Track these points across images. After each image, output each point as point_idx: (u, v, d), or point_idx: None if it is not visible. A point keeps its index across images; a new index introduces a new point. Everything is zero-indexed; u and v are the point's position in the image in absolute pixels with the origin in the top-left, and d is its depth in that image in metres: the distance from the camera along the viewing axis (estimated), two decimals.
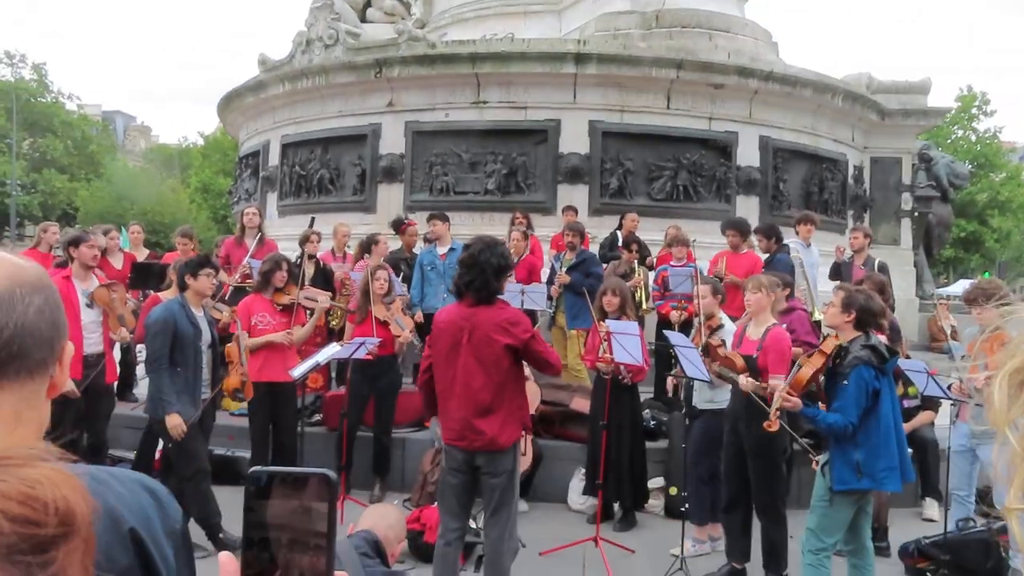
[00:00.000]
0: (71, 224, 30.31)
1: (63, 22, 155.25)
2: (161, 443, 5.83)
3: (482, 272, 4.16)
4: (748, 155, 10.60)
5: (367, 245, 7.88)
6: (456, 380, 4.23)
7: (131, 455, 6.82)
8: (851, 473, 4.24)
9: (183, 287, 5.42)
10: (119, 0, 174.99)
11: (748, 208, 10.30)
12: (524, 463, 6.08)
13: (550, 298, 7.82)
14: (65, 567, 0.48)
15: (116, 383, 7.09)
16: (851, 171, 12.08)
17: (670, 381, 6.00)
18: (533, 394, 6.46)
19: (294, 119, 11.82)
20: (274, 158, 12.13)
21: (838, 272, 8.24)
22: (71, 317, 5.94)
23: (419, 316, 7.54)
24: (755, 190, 10.62)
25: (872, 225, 12.68)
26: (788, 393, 4.32)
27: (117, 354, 7.02)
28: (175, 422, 5.10)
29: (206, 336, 5.41)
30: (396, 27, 11.15)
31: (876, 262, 8.13)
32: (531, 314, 7.63)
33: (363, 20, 12.96)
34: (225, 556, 0.92)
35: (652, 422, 6.98)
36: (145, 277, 7.79)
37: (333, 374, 7.86)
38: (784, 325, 5.25)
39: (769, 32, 12.49)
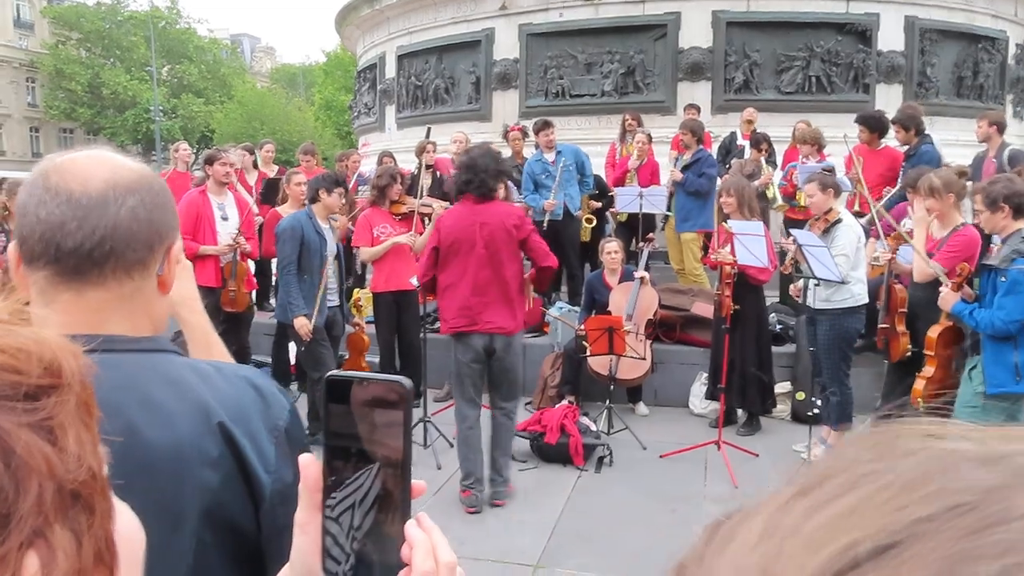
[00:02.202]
0: (208, 146, 31.92)
1: None
2: (294, 348, 6.17)
3: (480, 173, 4.54)
4: (891, 39, 9.69)
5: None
6: (468, 271, 4.59)
7: (267, 358, 7.29)
8: (1009, 375, 3.96)
9: (314, 200, 5.63)
10: None
11: (889, 98, 9.48)
12: (642, 368, 6.06)
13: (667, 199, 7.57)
14: (56, 415, 0.50)
15: (254, 292, 7.51)
16: (1012, 50, 10.84)
17: (793, 288, 5.71)
18: (650, 298, 6.36)
19: (408, 29, 11.75)
20: (390, 70, 12.18)
21: (977, 168, 7.37)
22: (207, 229, 6.29)
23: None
24: (898, 78, 9.75)
25: None
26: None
27: (251, 266, 7.41)
28: (302, 322, 5.37)
29: (331, 247, 5.62)
30: None
31: (1007, 151, 7.15)
32: (649, 218, 7.45)
33: None
34: (306, 458, 0.92)
35: (779, 326, 6.74)
36: (274, 193, 8.11)
37: None
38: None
39: None
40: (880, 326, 5.13)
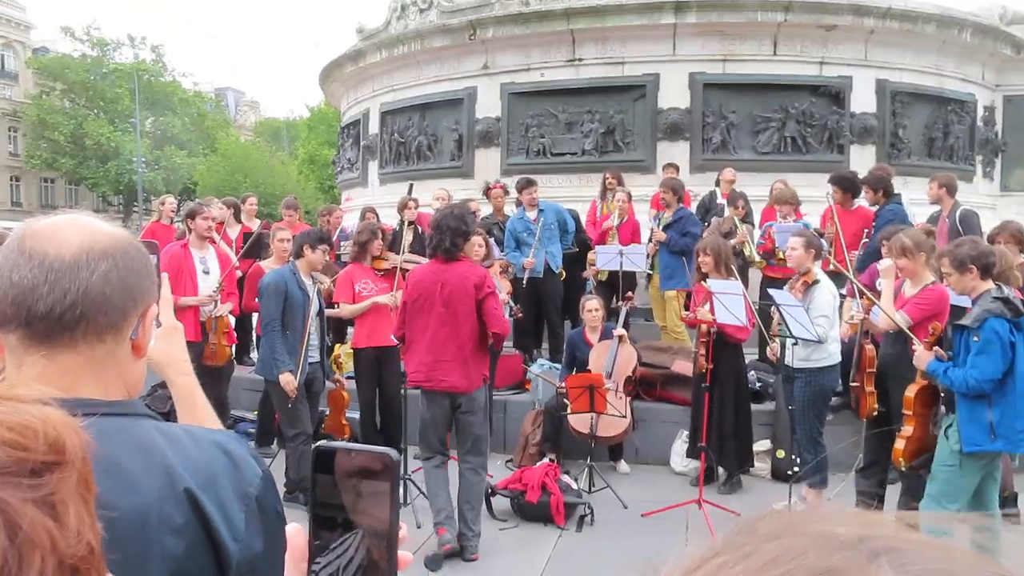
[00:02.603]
0: (191, 198, 31.94)
1: (176, 5, 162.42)
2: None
3: (444, 234, 4.75)
4: (863, 101, 9.97)
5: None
6: (428, 328, 4.79)
7: (251, 415, 7.21)
8: (983, 434, 3.99)
9: (299, 255, 5.64)
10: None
11: (864, 159, 9.71)
12: (622, 426, 6.05)
13: (649, 257, 7.66)
14: (58, 491, 0.51)
15: (234, 347, 7.45)
16: (980, 112, 11.18)
17: (769, 350, 5.77)
18: (629, 356, 6.38)
19: (392, 86, 11.94)
20: (374, 126, 12.33)
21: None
22: (188, 283, 6.29)
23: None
24: (871, 139, 10.01)
25: (1005, 171, 11.76)
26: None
27: (232, 321, 7.37)
28: (287, 379, 5.34)
29: (314, 303, 5.61)
30: None
31: (959, 212, 7.35)
32: (630, 275, 7.53)
33: None
34: (293, 528, 0.93)
35: (758, 383, 6.78)
36: (257, 248, 8.12)
37: None
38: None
39: None
40: (851, 384, 5.20)
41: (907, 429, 4.60)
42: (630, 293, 7.02)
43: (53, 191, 47.01)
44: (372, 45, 12.02)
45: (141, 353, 1.07)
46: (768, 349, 5.83)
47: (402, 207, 8.12)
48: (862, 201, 7.44)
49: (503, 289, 6.69)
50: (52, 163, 43.00)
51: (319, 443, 0.81)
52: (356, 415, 6.59)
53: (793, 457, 5.53)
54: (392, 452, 0.79)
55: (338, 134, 15.52)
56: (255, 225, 9.20)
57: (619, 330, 6.45)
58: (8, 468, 0.49)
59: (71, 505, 0.52)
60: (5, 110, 45.52)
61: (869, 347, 5.11)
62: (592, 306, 6.59)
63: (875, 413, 5.04)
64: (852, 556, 0.33)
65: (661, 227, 7.61)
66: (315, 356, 5.72)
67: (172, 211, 9.78)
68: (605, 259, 7.49)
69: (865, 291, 5.09)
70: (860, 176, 7.50)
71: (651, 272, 7.82)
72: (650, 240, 7.79)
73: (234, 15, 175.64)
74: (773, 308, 5.44)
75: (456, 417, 4.90)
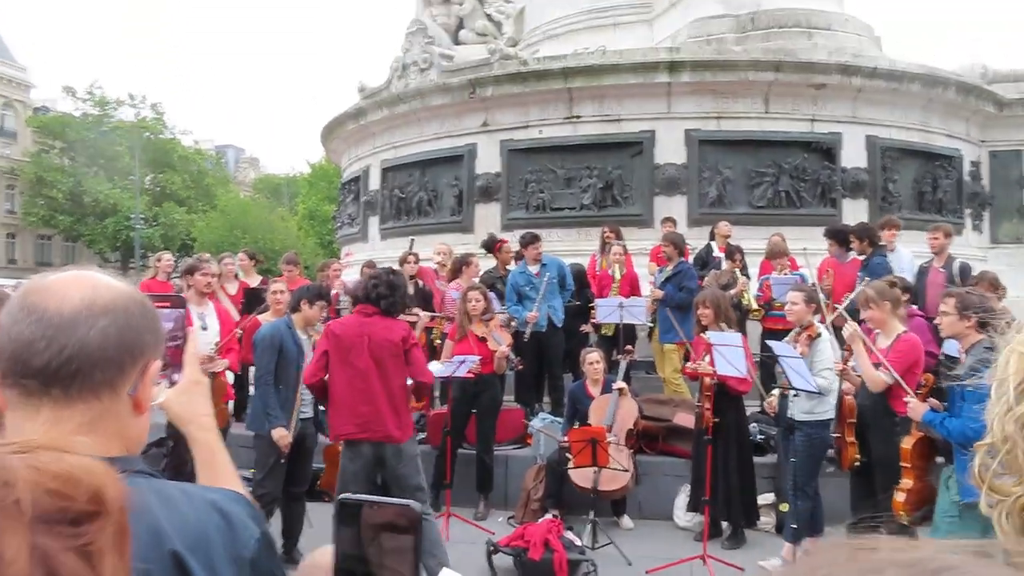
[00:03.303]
0: (188, 254, 32.08)
1: (176, 64, 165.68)
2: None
3: (397, 294, 4.99)
4: (854, 156, 10.18)
5: (459, 266, 7.98)
6: (356, 379, 4.87)
7: (248, 472, 7.12)
8: None
9: (295, 310, 5.64)
10: (225, 43, 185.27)
11: (856, 212, 9.88)
12: (624, 479, 6.01)
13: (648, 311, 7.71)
14: (96, 541, 0.52)
15: (232, 403, 7.41)
16: (967, 167, 11.41)
17: (767, 404, 5.78)
18: (629, 409, 6.38)
19: (392, 144, 12.15)
20: (374, 183, 12.50)
21: (922, 276, 7.68)
22: None
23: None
24: (863, 193, 10.18)
25: (993, 224, 11.93)
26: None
27: (230, 377, 7.35)
28: (281, 434, 5.30)
29: (308, 357, 5.58)
30: (488, 47, 11.34)
31: (957, 263, 7.50)
32: (631, 328, 7.56)
33: (456, 42, 13.25)
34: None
35: (759, 436, 6.76)
36: (257, 302, 8.14)
37: (436, 393, 7.98)
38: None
39: (871, 27, 11.99)
40: (834, 435, 5.21)
41: (906, 482, 4.59)
42: (629, 346, 7.05)
43: (50, 248, 47.15)
44: (373, 103, 12.27)
45: (141, 410, 1.06)
46: (766, 403, 5.84)
47: (402, 262, 8.19)
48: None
49: (503, 342, 6.72)
50: (49, 220, 43.19)
51: (344, 495, 0.81)
52: None
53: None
54: (415, 504, 0.79)
55: (339, 190, 15.70)
56: (255, 281, 9.25)
57: (619, 383, 6.46)
58: (50, 516, 0.50)
59: (107, 556, 0.53)
60: (3, 168, 45.91)
61: (849, 398, 5.14)
62: (593, 358, 6.60)
63: (857, 464, 5.05)
64: (916, 573, 0.36)
65: (662, 280, 7.67)
66: (308, 411, 5.66)
67: (169, 267, 9.81)
68: (605, 312, 7.54)
69: (865, 338, 5.12)
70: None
71: (652, 325, 7.87)
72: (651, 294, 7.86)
73: (235, 73, 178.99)
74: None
75: (385, 473, 5.00)
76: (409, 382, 5.08)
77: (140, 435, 1.09)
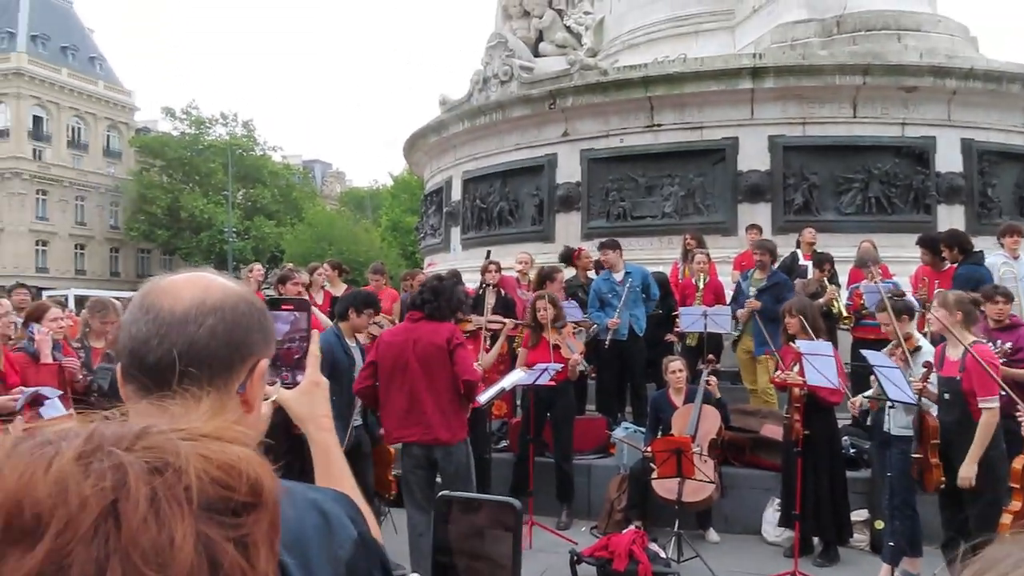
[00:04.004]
0: (277, 266, 33.15)
1: (266, 81, 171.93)
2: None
3: (445, 300, 5.13)
4: (948, 160, 9.77)
5: (543, 279, 7.94)
6: (406, 384, 5.02)
7: None
8: None
9: (343, 319, 5.72)
10: (314, 60, 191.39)
11: (952, 218, 9.47)
12: (708, 491, 5.92)
13: (735, 319, 7.58)
14: (253, 533, 0.53)
15: None
16: None
17: (850, 404, 5.58)
18: (712, 419, 6.28)
19: (474, 155, 12.32)
20: (456, 193, 12.69)
21: None
22: None
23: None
24: (958, 198, 9.76)
25: None
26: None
27: None
28: None
29: (359, 365, 5.62)
30: (568, 58, 11.39)
31: None
32: (715, 337, 7.45)
33: (536, 55, 13.35)
34: None
35: (852, 449, 6.55)
36: None
37: (518, 401, 8.04)
38: (1008, 344, 4.81)
39: (966, 27, 11.50)
40: (913, 456, 4.97)
41: (1015, 504, 4.37)
42: (711, 356, 6.95)
43: (149, 261, 49.62)
44: (455, 116, 12.48)
45: (250, 408, 1.07)
46: (849, 403, 5.65)
47: (484, 271, 8.30)
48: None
49: (576, 349, 6.72)
50: (149, 235, 45.49)
51: (443, 492, 0.83)
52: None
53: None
54: (516, 502, 0.80)
55: (421, 202, 16.00)
56: (339, 291, 9.51)
57: (710, 378, 6.39)
58: (214, 505, 0.51)
59: (262, 547, 0.54)
60: (108, 186, 48.62)
61: (931, 416, 4.89)
62: (675, 367, 6.54)
63: (942, 486, 4.81)
64: None
65: (755, 289, 7.50)
66: (358, 419, 5.69)
67: (260, 278, 10.18)
68: (689, 321, 7.46)
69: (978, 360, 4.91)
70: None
71: (737, 334, 7.73)
72: (733, 300, 7.71)
73: (324, 90, 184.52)
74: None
75: (440, 473, 5.08)
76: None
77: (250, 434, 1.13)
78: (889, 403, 5.08)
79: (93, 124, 49.51)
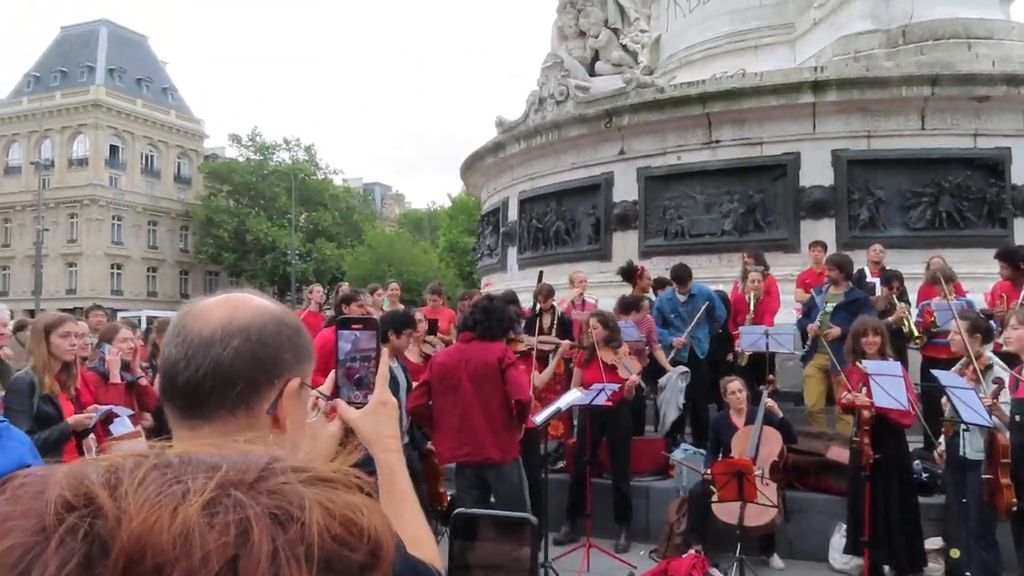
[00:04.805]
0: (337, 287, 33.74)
1: (328, 107, 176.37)
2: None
3: (496, 320, 5.15)
4: None
5: (628, 308, 7.67)
6: (458, 405, 5.03)
7: None
8: None
9: (383, 340, 5.70)
10: (373, 86, 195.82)
11: None
12: (771, 515, 5.72)
13: (805, 335, 7.33)
14: None
15: None
16: None
17: (937, 455, 5.33)
18: (774, 441, 6.08)
19: (530, 175, 12.34)
20: (513, 214, 12.72)
21: None
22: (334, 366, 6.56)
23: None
24: None
25: None
26: None
27: None
28: None
29: (403, 384, 5.58)
30: (624, 76, 11.35)
31: None
32: (772, 357, 7.25)
33: (592, 74, 13.36)
34: None
35: (924, 474, 6.26)
36: None
37: (575, 421, 7.94)
38: None
39: None
40: (984, 476, 4.70)
41: None
42: (771, 376, 6.75)
43: (217, 283, 51.15)
44: (511, 136, 12.55)
45: (281, 428, 1.05)
46: (936, 453, 5.40)
47: (539, 294, 8.24)
48: None
49: (633, 369, 6.61)
50: (216, 257, 46.94)
51: (459, 509, 0.81)
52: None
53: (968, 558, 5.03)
54: (532, 518, 0.78)
55: (478, 222, 16.09)
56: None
57: (768, 399, 6.20)
58: (333, 566, 0.49)
59: None
60: (179, 211, 50.43)
61: (1001, 435, 4.63)
62: (735, 387, 6.37)
63: (1014, 508, 4.54)
64: None
65: (830, 305, 7.22)
66: (405, 437, 5.62)
67: (321, 299, 10.35)
68: (750, 340, 7.27)
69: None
70: None
71: (797, 352, 7.49)
72: (805, 315, 7.45)
73: (384, 113, 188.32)
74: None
75: (494, 493, 5.11)
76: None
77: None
78: (964, 426, 4.84)
79: (165, 152, 51.50)
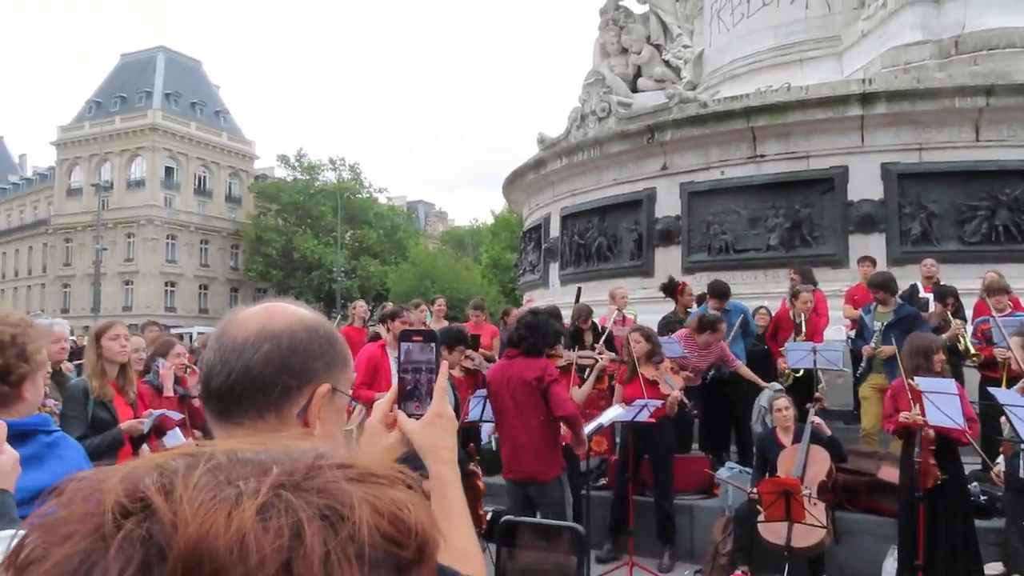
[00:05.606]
0: (382, 303, 34.13)
1: (370, 127, 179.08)
2: None
3: (537, 334, 5.13)
4: None
5: (705, 328, 7.31)
6: (503, 421, 5.13)
7: None
8: None
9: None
10: (314, 62, 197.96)
11: None
12: (819, 536, 5.55)
13: (858, 359, 7.15)
14: None
15: None
16: None
17: (994, 474, 5.12)
18: (821, 460, 5.91)
19: (572, 191, 12.33)
20: (555, 230, 12.71)
21: None
22: (383, 381, 6.60)
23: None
24: None
25: None
26: None
27: None
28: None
29: (449, 398, 5.66)
30: (666, 92, 11.30)
31: None
32: (814, 375, 7.07)
33: (634, 90, 13.34)
34: None
35: (983, 496, 6.02)
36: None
37: (617, 438, 7.85)
38: None
39: None
40: None
41: None
42: (819, 394, 6.58)
43: (264, 301, 52.11)
44: (553, 153, 12.56)
45: (311, 433, 1.06)
46: (993, 473, 5.20)
47: (578, 315, 8.22)
48: None
49: (675, 385, 6.50)
50: (265, 275, 47.84)
51: (506, 516, 0.80)
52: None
53: None
54: (579, 526, 0.77)
55: (520, 239, 16.13)
56: (441, 326, 9.62)
57: (814, 418, 6.03)
58: (382, 563, 0.49)
59: None
60: (229, 230, 51.61)
61: None
62: (781, 404, 6.22)
63: None
64: None
65: (880, 324, 7.04)
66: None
67: (364, 314, 10.43)
68: (796, 357, 7.11)
69: None
70: None
71: (845, 370, 7.31)
72: (858, 335, 7.26)
73: (429, 131, 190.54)
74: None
75: (539, 510, 5.08)
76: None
77: None
78: (1023, 446, 4.65)
79: (217, 172, 52.82)
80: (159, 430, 4.83)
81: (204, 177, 52.50)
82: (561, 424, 5.21)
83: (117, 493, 0.49)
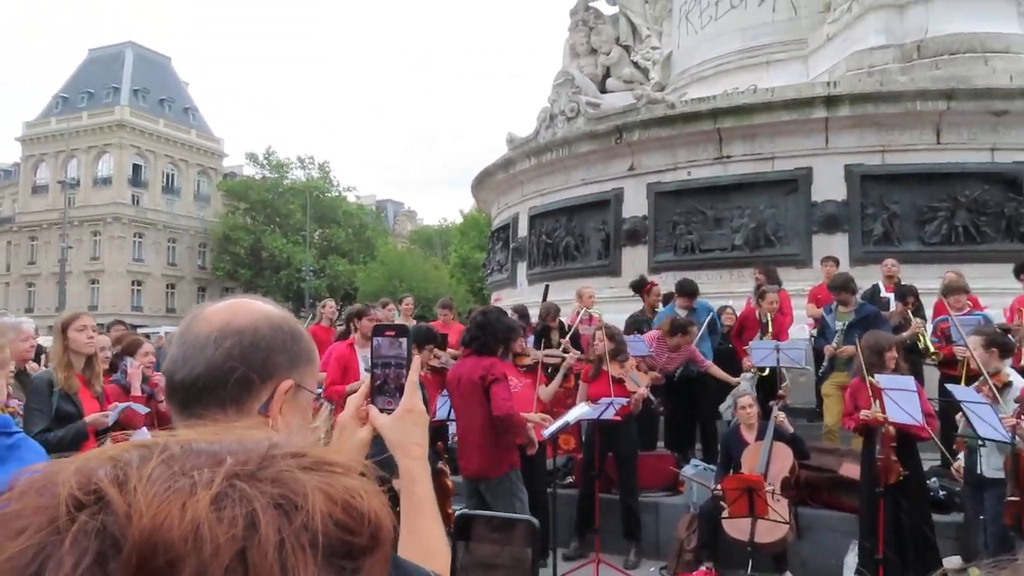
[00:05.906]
0: (350, 302, 33.90)
1: (341, 124, 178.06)
2: None
3: (491, 334, 5.18)
4: None
5: (676, 331, 7.43)
6: (457, 420, 5.33)
7: None
8: None
9: None
10: (376, 88, 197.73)
11: None
12: (782, 531, 5.62)
13: (821, 357, 7.24)
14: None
15: None
16: None
17: (954, 469, 5.21)
18: (784, 457, 5.98)
19: (540, 191, 12.34)
20: (523, 229, 12.72)
21: None
22: (352, 379, 6.56)
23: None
24: None
25: None
26: None
27: None
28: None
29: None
30: (635, 92, 11.36)
31: None
32: (777, 372, 7.15)
33: (603, 91, 13.39)
34: None
35: (941, 492, 6.13)
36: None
37: (583, 436, 7.86)
38: None
39: None
40: (1008, 499, 4.56)
41: None
42: (782, 391, 6.66)
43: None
44: (521, 153, 12.56)
45: (273, 428, 1.06)
46: (953, 469, 5.30)
47: (546, 314, 8.22)
48: None
49: (641, 383, 6.53)
50: (233, 274, 47.26)
51: (462, 510, 0.80)
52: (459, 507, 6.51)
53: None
54: (533, 519, 0.77)
55: (488, 238, 16.11)
56: (410, 324, 9.58)
57: (779, 414, 6.10)
58: (336, 550, 0.50)
59: None
60: (197, 228, 50.92)
61: None
62: (745, 402, 6.28)
63: None
64: None
65: (841, 323, 7.13)
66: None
67: (332, 314, 10.33)
68: (760, 355, 7.18)
69: None
70: None
71: (807, 368, 7.40)
72: (822, 335, 7.35)
73: (396, 129, 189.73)
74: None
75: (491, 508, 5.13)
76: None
77: None
78: (980, 442, 4.74)
79: (185, 170, 52.08)
80: (124, 426, 4.74)
81: (172, 175, 51.74)
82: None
83: (71, 486, 0.48)
